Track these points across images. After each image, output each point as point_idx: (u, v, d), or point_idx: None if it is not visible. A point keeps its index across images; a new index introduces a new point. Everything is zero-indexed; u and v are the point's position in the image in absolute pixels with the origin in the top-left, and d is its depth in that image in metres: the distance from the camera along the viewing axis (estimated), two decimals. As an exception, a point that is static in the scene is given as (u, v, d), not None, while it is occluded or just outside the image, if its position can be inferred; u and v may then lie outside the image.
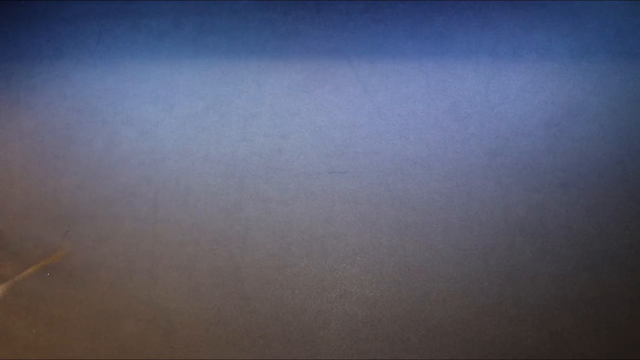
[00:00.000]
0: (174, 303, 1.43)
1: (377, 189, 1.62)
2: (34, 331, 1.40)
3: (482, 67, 1.86)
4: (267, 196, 1.62)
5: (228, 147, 1.73)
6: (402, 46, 1.93)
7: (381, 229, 1.54)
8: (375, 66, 1.89)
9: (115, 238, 1.55)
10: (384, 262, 1.47)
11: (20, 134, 1.78)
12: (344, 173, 1.66)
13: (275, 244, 1.53)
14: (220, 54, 1.95)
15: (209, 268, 1.48)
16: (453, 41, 1.93)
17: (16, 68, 1.94)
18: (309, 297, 1.43)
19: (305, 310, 1.41)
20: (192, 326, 1.39)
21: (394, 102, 1.81)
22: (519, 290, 1.42)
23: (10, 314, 1.43)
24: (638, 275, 1.43)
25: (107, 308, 1.43)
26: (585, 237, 1.50)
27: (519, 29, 1.95)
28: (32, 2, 2.13)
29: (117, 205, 1.62)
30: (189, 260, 1.50)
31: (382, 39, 1.95)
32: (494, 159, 1.67)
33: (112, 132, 1.78)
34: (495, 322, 1.37)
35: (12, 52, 1.99)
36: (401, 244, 1.51)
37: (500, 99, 1.79)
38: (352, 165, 1.67)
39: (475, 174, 1.64)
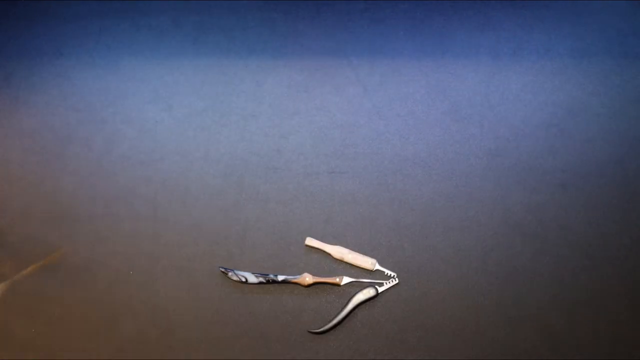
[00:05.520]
0: (173, 303, 1.43)
1: (376, 189, 1.62)
2: (32, 330, 1.40)
3: (482, 67, 1.86)
4: (267, 196, 1.62)
5: (227, 147, 1.73)
6: (402, 46, 1.93)
7: (380, 229, 1.54)
8: (375, 66, 1.89)
9: (115, 237, 1.55)
10: (383, 262, 1.47)
11: (19, 133, 1.78)
12: (343, 173, 1.66)
13: (274, 244, 1.53)
14: (220, 54, 1.95)
15: (208, 268, 1.48)
16: (453, 41, 1.93)
17: (15, 67, 1.94)
18: (309, 297, 1.43)
19: (305, 310, 1.41)
20: (191, 326, 1.39)
21: (394, 102, 1.80)
22: (519, 290, 1.41)
23: (9, 313, 1.43)
24: (638, 276, 1.43)
25: (106, 308, 1.43)
26: (585, 238, 1.50)
27: (519, 29, 1.94)
28: (31, 1, 2.13)
29: (116, 205, 1.62)
30: (188, 260, 1.50)
31: (382, 39, 1.95)
32: (493, 160, 1.66)
33: (112, 131, 1.78)
34: (494, 322, 1.37)
35: (11, 51, 1.99)
36: (400, 244, 1.51)
37: (500, 99, 1.79)
38: (352, 165, 1.67)
39: (475, 174, 1.64)
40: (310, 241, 1.50)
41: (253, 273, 1.43)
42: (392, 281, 1.42)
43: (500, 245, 1.49)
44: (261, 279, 1.42)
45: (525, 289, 1.41)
